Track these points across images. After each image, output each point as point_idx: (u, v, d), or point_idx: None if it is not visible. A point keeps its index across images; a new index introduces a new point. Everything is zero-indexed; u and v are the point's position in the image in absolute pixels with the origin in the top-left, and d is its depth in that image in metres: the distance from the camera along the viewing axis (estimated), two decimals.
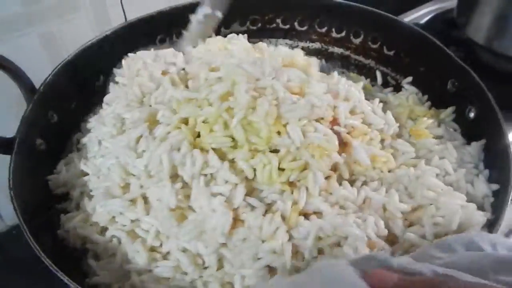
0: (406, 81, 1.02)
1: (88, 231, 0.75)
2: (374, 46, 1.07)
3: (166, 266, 0.69)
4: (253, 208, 0.69)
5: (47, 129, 0.90)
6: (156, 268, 0.70)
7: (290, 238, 0.68)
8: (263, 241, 0.66)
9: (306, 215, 0.70)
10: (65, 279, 0.63)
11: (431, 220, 0.70)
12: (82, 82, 1.00)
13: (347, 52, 1.11)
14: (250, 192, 0.72)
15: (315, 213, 0.71)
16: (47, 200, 0.84)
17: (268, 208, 0.71)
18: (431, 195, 0.73)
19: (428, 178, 0.75)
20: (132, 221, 0.73)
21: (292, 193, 0.71)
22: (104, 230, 0.76)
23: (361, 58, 1.09)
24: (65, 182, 0.87)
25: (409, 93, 1.00)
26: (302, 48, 1.12)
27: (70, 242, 0.78)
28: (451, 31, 1.25)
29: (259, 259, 0.66)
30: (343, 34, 1.10)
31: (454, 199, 0.72)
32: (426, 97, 0.99)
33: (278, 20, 1.13)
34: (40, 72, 0.89)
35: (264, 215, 0.69)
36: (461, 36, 1.22)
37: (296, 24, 1.13)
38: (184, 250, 0.69)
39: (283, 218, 0.69)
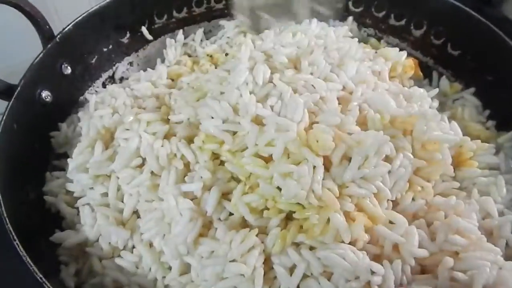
0: (469, 92, 0.84)
1: (58, 199, 0.71)
2: (437, 42, 0.89)
3: (128, 260, 0.63)
4: (227, 216, 0.60)
5: (58, 81, 0.85)
6: (118, 257, 0.64)
7: (268, 262, 0.58)
8: (231, 260, 0.57)
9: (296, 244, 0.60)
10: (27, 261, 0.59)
11: (448, 274, 0.56)
12: (105, 37, 0.94)
13: (403, 45, 0.93)
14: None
15: None
16: (39, 156, 0.80)
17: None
18: (458, 242, 0.59)
19: (457, 220, 0.60)
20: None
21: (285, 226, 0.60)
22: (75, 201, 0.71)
23: (418, 54, 0.92)
24: (67, 141, 0.82)
25: (467, 104, 0.82)
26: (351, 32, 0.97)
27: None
28: (484, 8, 1.02)
29: (224, 278, 0.57)
30: (403, 22, 0.92)
31: (485, 252, 0.57)
32: (487, 112, 0.82)
33: None
34: (31, 45, 0.82)
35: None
36: (496, 14, 1.01)
37: (350, 3, 0.97)
38: (150, 245, 0.62)
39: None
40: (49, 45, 0.83)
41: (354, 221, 0.58)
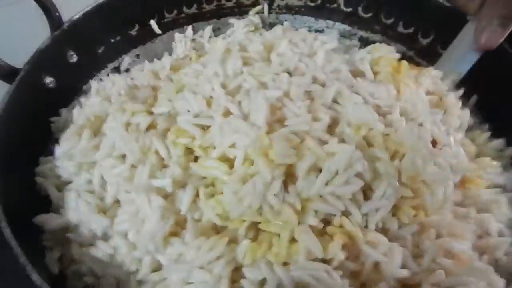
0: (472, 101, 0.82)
1: (49, 181, 0.71)
2: (443, 52, 0.87)
3: (103, 250, 0.62)
4: (201, 215, 0.59)
5: (62, 68, 0.86)
6: (93, 247, 0.63)
7: (239, 271, 0.56)
8: (199, 267, 0.55)
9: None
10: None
11: None
12: (113, 28, 0.95)
13: (410, 53, 0.92)
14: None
15: None
16: (37, 140, 0.80)
17: None
18: (446, 265, 0.56)
19: (451, 245, 0.57)
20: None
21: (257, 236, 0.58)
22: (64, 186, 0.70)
23: (424, 63, 0.90)
24: (66, 126, 0.83)
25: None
26: (360, 39, 0.97)
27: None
28: None
29: (190, 283, 0.55)
30: (411, 30, 0.91)
31: (475, 270, 0.55)
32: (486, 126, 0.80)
33: (341, 0, 0.97)
34: (35, 40, 0.83)
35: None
36: None
37: (360, 8, 0.96)
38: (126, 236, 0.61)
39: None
40: (56, 32, 0.84)
41: (332, 237, 0.55)
